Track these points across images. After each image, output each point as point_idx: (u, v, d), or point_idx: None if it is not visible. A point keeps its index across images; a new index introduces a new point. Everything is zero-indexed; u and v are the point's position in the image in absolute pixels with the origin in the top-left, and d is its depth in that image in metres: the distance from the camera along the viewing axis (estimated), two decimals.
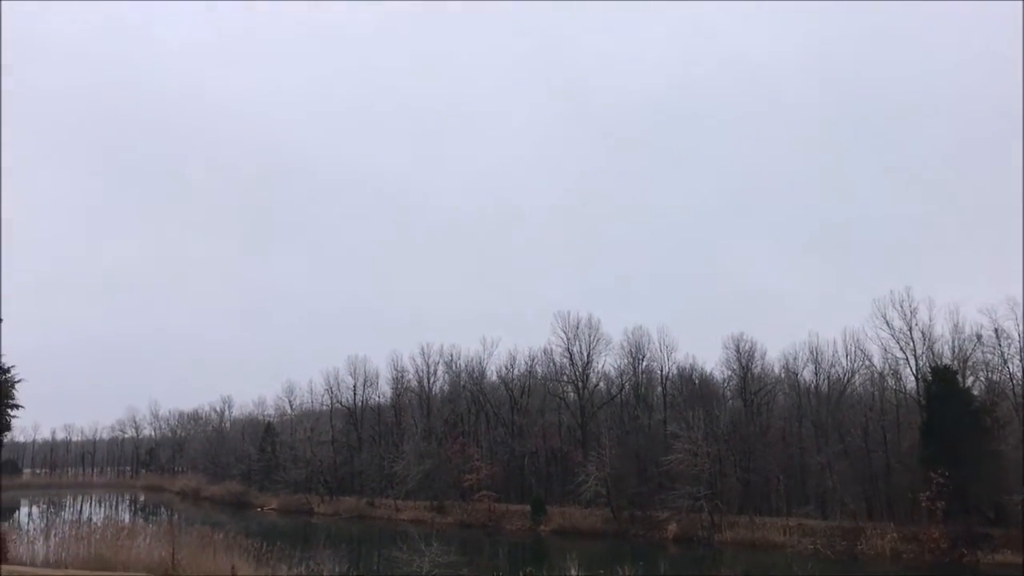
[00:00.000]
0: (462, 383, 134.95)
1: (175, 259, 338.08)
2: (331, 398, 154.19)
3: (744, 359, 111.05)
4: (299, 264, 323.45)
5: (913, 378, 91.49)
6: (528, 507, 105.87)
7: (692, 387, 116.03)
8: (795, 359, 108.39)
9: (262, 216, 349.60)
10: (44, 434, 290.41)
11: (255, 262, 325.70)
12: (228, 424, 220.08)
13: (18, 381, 37.55)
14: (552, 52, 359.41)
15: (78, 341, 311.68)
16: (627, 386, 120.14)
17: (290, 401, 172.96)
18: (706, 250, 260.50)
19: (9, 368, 37.08)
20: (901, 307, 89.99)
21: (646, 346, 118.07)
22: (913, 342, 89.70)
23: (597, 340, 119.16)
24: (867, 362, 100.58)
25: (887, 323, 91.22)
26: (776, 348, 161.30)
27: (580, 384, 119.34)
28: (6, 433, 41.71)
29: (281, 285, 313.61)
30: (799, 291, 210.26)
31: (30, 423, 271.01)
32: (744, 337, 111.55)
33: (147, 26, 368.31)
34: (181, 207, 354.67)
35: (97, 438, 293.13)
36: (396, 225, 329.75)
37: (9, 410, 37.84)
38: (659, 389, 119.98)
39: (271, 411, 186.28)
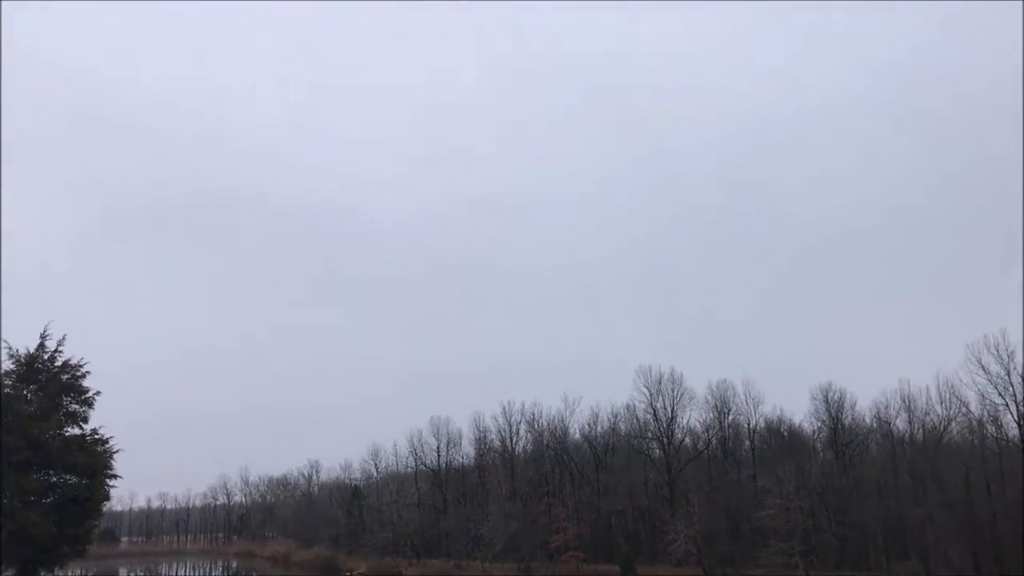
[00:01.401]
0: (545, 442, 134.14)
1: (260, 327, 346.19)
2: (415, 460, 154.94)
3: (833, 409, 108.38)
4: (379, 325, 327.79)
5: (1015, 424, 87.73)
6: (617, 567, 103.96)
7: (781, 440, 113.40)
8: (887, 408, 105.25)
9: (342, 279, 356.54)
10: (140, 503, 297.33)
11: (335, 325, 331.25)
12: (316, 488, 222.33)
13: (116, 452, 38.87)
14: (618, 107, 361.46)
15: (171, 411, 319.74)
16: (713, 441, 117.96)
17: (376, 464, 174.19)
18: (789, 298, 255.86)
19: (108, 439, 38.46)
20: (997, 351, 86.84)
21: (731, 399, 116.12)
22: (1012, 387, 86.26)
23: (681, 395, 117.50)
24: (964, 409, 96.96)
25: (983, 368, 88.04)
26: (866, 397, 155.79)
27: (665, 440, 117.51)
28: (105, 503, 43.00)
29: (361, 347, 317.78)
30: (887, 337, 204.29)
31: (127, 492, 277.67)
32: (832, 387, 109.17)
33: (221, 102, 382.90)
34: (264, 274, 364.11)
35: (191, 505, 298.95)
36: (472, 284, 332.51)
37: (108, 480, 39.10)
38: (747, 443, 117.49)
39: (357, 474, 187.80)
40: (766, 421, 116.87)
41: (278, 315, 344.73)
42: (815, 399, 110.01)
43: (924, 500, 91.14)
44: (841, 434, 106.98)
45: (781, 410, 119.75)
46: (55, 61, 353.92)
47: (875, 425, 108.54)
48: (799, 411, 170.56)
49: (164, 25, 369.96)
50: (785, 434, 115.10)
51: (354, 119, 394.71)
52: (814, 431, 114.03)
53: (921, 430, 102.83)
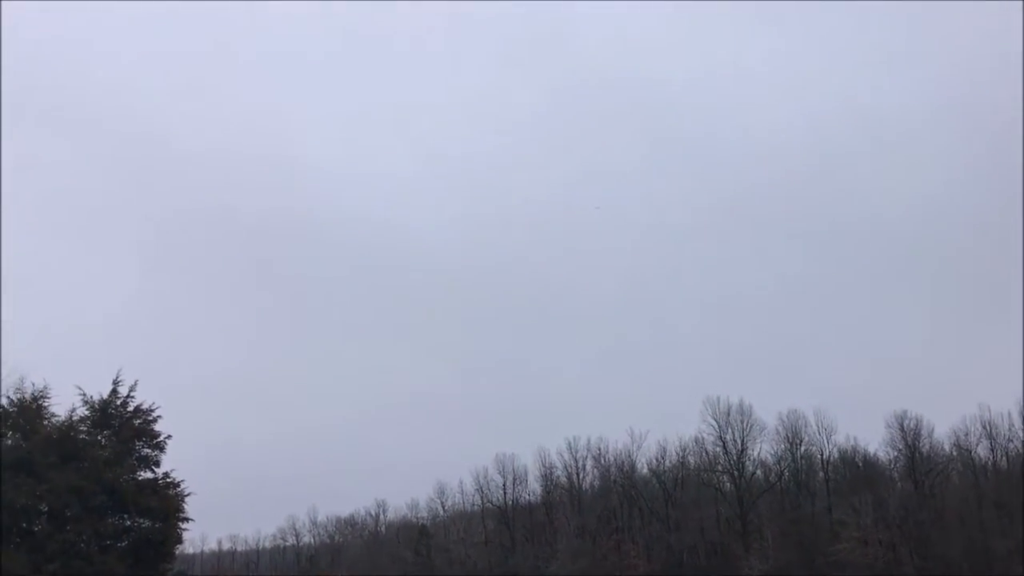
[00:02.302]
0: (612, 477, 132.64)
1: (323, 365, 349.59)
2: (482, 497, 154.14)
3: (910, 437, 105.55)
4: (440, 361, 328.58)
5: None
6: None
7: (856, 470, 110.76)
8: (967, 435, 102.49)
9: (403, 316, 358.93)
10: (211, 545, 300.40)
11: (397, 362, 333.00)
12: (383, 528, 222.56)
13: (188, 495, 39.15)
14: (674, 127, 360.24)
15: (239, 451, 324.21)
16: (786, 473, 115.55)
17: (442, 503, 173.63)
18: (858, 321, 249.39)
19: (179, 483, 38.79)
20: None
21: (803, 429, 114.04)
22: None
23: (750, 426, 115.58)
24: None
25: None
26: (944, 424, 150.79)
27: (736, 473, 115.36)
28: (178, 546, 43.35)
29: (423, 383, 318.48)
30: (963, 360, 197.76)
31: (198, 535, 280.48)
32: (908, 414, 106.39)
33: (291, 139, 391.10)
34: (326, 311, 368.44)
35: (260, 547, 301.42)
36: (531, 317, 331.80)
37: (180, 523, 39.38)
38: (820, 474, 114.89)
39: (424, 513, 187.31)
40: (839, 451, 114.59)
41: (341, 353, 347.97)
42: (890, 427, 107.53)
43: (1011, 531, 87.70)
44: (919, 463, 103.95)
45: (855, 439, 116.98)
46: (123, 112, 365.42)
47: (955, 453, 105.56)
48: (874, 440, 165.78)
49: (224, 71, 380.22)
50: (860, 464, 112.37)
51: (406, 153, 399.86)
52: (890, 460, 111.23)
53: (1004, 457, 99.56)
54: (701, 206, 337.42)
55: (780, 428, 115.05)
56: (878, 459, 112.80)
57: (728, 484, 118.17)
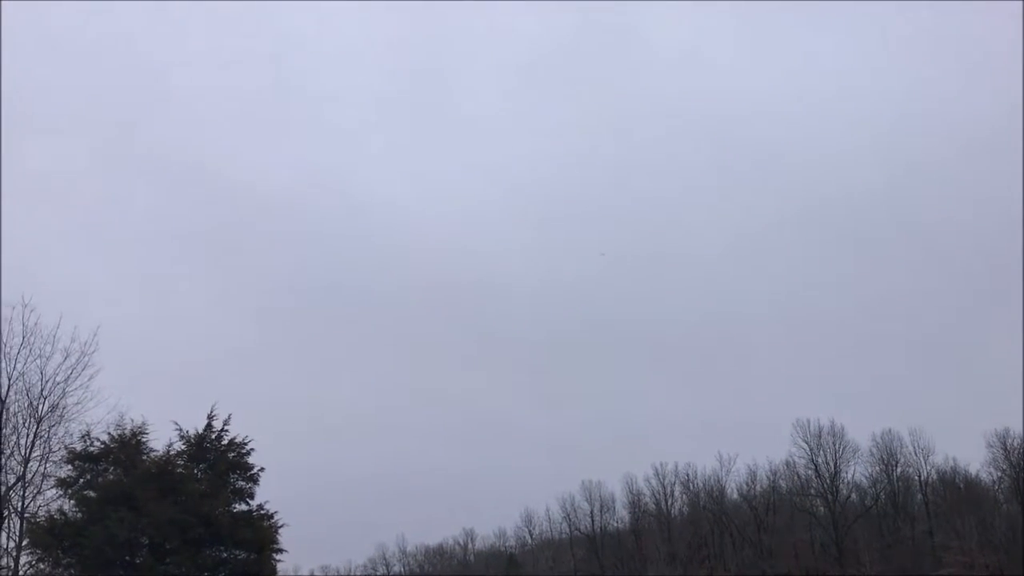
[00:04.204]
0: (702, 503, 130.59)
1: (411, 397, 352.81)
2: (569, 525, 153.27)
3: (1014, 457, 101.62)
4: (523, 390, 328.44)
5: None
6: None
7: (957, 492, 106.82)
8: None
9: (485, 346, 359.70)
10: (303, 575, 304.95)
11: (481, 391, 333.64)
12: (472, 557, 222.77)
13: (281, 526, 39.85)
14: (762, 156, 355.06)
15: (330, 482, 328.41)
16: (882, 496, 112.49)
17: (530, 531, 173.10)
18: (948, 338, 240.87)
19: (273, 514, 39.55)
20: None
21: (899, 450, 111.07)
22: None
23: (843, 448, 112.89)
24: None
25: None
26: None
27: (830, 497, 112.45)
28: None
29: (508, 411, 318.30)
30: None
31: (291, 566, 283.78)
32: (1010, 432, 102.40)
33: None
34: (411, 342, 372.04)
35: None
36: (615, 339, 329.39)
37: (275, 555, 40.09)
38: (919, 496, 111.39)
39: (512, 541, 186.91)
40: (938, 472, 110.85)
41: (427, 384, 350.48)
42: (991, 447, 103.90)
43: None
44: None
45: (954, 460, 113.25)
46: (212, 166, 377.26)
47: None
48: (975, 460, 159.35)
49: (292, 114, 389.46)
50: (961, 486, 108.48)
51: (483, 183, 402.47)
52: (994, 481, 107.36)
53: None
54: (777, 221, 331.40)
55: (874, 450, 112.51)
56: (980, 480, 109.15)
57: (822, 508, 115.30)
